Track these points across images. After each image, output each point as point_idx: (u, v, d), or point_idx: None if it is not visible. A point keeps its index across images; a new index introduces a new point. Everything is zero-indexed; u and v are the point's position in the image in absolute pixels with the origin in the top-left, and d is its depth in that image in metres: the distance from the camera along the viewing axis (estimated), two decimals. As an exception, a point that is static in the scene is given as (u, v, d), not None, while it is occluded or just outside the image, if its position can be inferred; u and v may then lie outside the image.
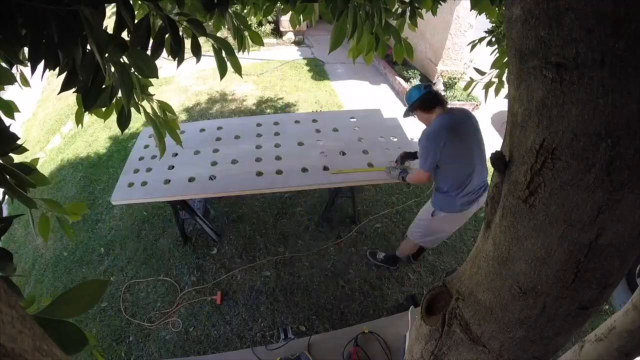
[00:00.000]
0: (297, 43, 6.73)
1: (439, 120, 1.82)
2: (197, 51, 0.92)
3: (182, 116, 4.51)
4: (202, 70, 5.38)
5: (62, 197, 3.31)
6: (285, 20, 6.33)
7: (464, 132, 1.83)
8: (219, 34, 1.06)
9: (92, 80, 0.69)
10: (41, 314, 0.42)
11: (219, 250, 2.74)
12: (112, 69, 0.70)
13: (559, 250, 0.59)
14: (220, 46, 0.97)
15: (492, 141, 4.11)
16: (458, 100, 4.64)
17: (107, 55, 0.67)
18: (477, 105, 4.64)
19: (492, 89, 1.72)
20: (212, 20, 1.14)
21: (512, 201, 0.62)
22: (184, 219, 2.70)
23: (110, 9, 0.73)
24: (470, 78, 1.74)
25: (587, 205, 0.52)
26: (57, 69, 0.63)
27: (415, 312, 1.61)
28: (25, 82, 1.18)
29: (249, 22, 1.20)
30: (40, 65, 0.60)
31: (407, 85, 4.90)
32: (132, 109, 0.87)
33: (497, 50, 1.64)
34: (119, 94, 0.78)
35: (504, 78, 1.62)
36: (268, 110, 4.58)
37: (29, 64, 0.61)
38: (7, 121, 0.81)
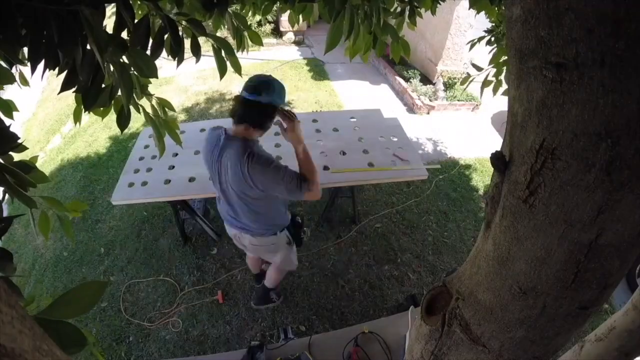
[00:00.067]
0: (297, 43, 6.74)
1: (258, 146, 1.51)
2: (196, 51, 0.92)
3: (182, 116, 4.51)
4: (202, 70, 5.38)
5: (62, 197, 3.31)
6: (285, 20, 6.32)
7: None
8: (218, 34, 1.06)
9: (92, 80, 0.69)
10: (41, 314, 0.42)
11: (219, 250, 2.74)
12: (112, 69, 0.70)
13: (559, 250, 0.59)
14: (220, 46, 0.97)
15: (492, 141, 4.12)
16: (458, 100, 4.64)
17: (108, 55, 0.67)
18: (477, 105, 4.64)
19: (490, 89, 1.71)
20: (211, 20, 1.14)
21: (512, 201, 0.62)
22: (184, 219, 2.70)
23: (110, 9, 0.73)
24: (467, 73, 1.73)
25: (587, 205, 0.52)
26: (57, 69, 0.63)
27: (415, 312, 1.61)
28: (25, 82, 1.18)
29: (249, 22, 1.21)
30: (40, 65, 0.60)
31: (407, 85, 4.90)
32: (132, 109, 0.87)
33: (495, 49, 1.63)
34: (119, 94, 0.78)
35: (502, 77, 1.61)
36: (268, 110, 4.57)
37: (28, 64, 0.61)
38: (7, 121, 0.80)
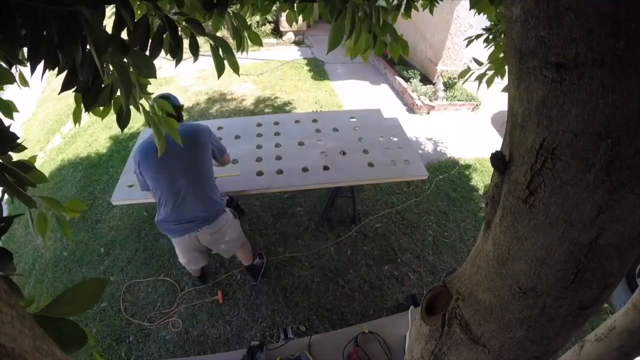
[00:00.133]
0: (297, 43, 6.74)
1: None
2: (195, 51, 0.92)
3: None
4: (202, 70, 5.38)
5: (62, 197, 3.31)
6: (285, 20, 6.32)
7: (168, 152, 1.57)
8: (218, 34, 1.06)
9: (92, 80, 0.69)
10: (41, 312, 0.42)
11: (219, 250, 2.74)
12: (111, 69, 0.70)
13: (559, 250, 0.59)
14: (218, 44, 0.97)
15: (492, 141, 4.13)
16: (458, 100, 4.64)
17: (107, 56, 0.67)
18: (477, 105, 4.64)
19: (485, 81, 1.70)
20: (211, 20, 1.14)
21: (512, 201, 0.62)
22: (184, 219, 2.69)
23: (110, 9, 0.73)
24: (467, 67, 1.72)
25: (587, 205, 0.52)
26: (56, 69, 0.63)
27: (415, 312, 1.61)
28: (24, 82, 1.18)
29: (249, 22, 1.21)
30: (40, 66, 0.60)
31: (407, 85, 4.90)
32: (132, 108, 0.87)
33: (492, 45, 1.63)
34: (118, 93, 0.78)
35: (498, 73, 1.61)
36: (268, 110, 4.58)
37: (28, 64, 0.61)
38: (6, 121, 0.80)
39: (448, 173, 3.57)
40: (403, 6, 1.36)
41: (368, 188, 3.28)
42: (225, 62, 1.03)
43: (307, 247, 2.77)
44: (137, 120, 3.93)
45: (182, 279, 2.55)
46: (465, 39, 1.76)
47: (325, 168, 2.28)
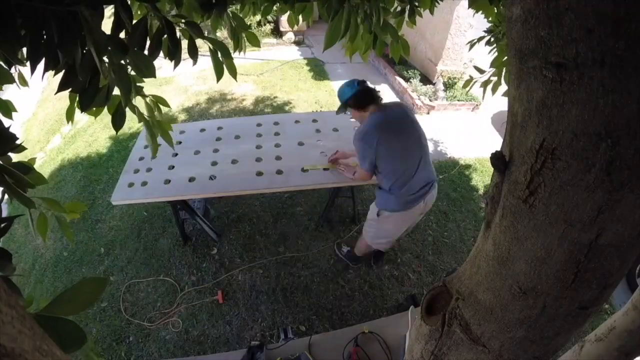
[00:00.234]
0: (297, 43, 6.73)
1: (371, 119, 1.78)
2: (194, 53, 0.92)
3: (182, 116, 4.51)
4: (202, 71, 5.38)
5: (62, 197, 3.31)
6: (285, 20, 6.32)
7: (398, 128, 1.77)
8: (218, 34, 1.06)
9: (90, 80, 0.69)
10: (41, 312, 0.42)
11: (219, 250, 2.74)
12: (110, 69, 0.70)
13: (559, 250, 0.59)
14: (216, 48, 0.97)
15: (492, 141, 4.12)
16: (458, 100, 4.64)
17: (107, 56, 0.67)
18: (477, 105, 4.64)
19: (490, 88, 1.71)
20: (209, 21, 1.14)
21: (512, 201, 0.62)
22: (184, 219, 2.70)
23: (110, 9, 0.73)
24: (470, 76, 1.73)
25: (587, 205, 0.52)
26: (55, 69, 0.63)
27: (415, 312, 1.61)
28: (24, 82, 1.18)
29: (249, 22, 1.21)
30: (40, 66, 0.60)
31: (407, 85, 4.90)
32: (127, 109, 0.87)
33: (495, 49, 1.63)
34: (114, 93, 0.77)
35: (502, 77, 1.61)
36: (268, 110, 4.57)
37: (28, 64, 0.61)
38: (6, 121, 0.80)
39: (448, 173, 3.57)
40: (407, 12, 1.36)
41: (368, 188, 3.28)
42: (224, 65, 1.03)
43: (307, 247, 2.77)
44: (137, 120, 3.93)
45: (182, 279, 2.55)
46: (468, 43, 1.76)
47: (325, 168, 2.28)
